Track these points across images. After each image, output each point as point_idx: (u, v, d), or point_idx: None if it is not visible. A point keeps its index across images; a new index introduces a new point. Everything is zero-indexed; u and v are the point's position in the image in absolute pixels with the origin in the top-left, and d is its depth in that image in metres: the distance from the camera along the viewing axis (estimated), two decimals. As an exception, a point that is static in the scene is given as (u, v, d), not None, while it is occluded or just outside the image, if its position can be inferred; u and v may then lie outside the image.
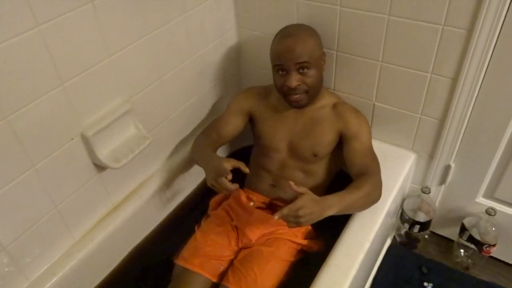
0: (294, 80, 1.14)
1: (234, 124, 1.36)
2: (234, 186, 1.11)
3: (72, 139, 1.06)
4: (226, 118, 1.37)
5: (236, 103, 1.37)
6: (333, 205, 1.06)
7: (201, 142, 1.37)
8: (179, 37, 1.28)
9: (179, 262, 1.22)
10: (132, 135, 1.20)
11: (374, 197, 1.16)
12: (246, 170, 1.14)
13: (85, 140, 1.08)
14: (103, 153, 1.12)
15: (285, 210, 1.00)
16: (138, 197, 1.32)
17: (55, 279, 1.10)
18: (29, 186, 1.00)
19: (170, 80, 1.31)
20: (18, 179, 0.97)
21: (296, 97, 1.18)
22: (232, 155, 1.71)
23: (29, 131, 0.95)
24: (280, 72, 1.17)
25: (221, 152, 1.67)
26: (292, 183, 1.04)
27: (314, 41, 1.17)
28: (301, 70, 1.15)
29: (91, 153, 1.11)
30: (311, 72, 1.15)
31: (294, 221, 1.01)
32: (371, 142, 1.25)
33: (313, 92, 1.20)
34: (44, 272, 1.11)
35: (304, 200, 1.01)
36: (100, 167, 1.17)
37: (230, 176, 1.11)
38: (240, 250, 1.27)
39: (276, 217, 1.00)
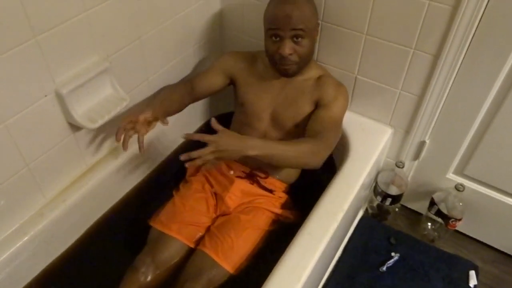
0: (288, 48, 1.12)
1: (211, 81, 1.33)
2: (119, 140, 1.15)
3: (46, 95, 1.02)
4: (205, 73, 1.34)
5: (219, 62, 1.34)
6: (255, 146, 1.07)
7: (170, 86, 1.37)
8: (161, -5, 1.23)
9: (156, 225, 1.22)
10: (109, 95, 1.17)
11: (308, 160, 1.13)
12: (165, 122, 1.22)
13: (60, 98, 1.04)
14: (78, 112, 1.09)
15: (197, 137, 1.04)
16: (114, 159, 1.29)
17: (26, 238, 1.09)
18: (-2, 142, 0.96)
19: (150, 40, 1.26)
20: (-13, 134, 0.93)
21: (286, 66, 1.16)
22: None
23: (-2, 85, 0.91)
24: (273, 38, 1.14)
25: (199, 117, 1.65)
26: (213, 119, 1.06)
27: (311, 9, 1.14)
28: (295, 39, 1.12)
29: (65, 111, 1.07)
30: (305, 42, 1.13)
31: (213, 155, 1.03)
32: (340, 118, 1.23)
33: (304, 63, 1.19)
34: (15, 231, 1.09)
35: (221, 134, 1.05)
36: (75, 127, 1.14)
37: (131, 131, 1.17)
38: (217, 217, 1.28)
39: (184, 136, 1.05)
